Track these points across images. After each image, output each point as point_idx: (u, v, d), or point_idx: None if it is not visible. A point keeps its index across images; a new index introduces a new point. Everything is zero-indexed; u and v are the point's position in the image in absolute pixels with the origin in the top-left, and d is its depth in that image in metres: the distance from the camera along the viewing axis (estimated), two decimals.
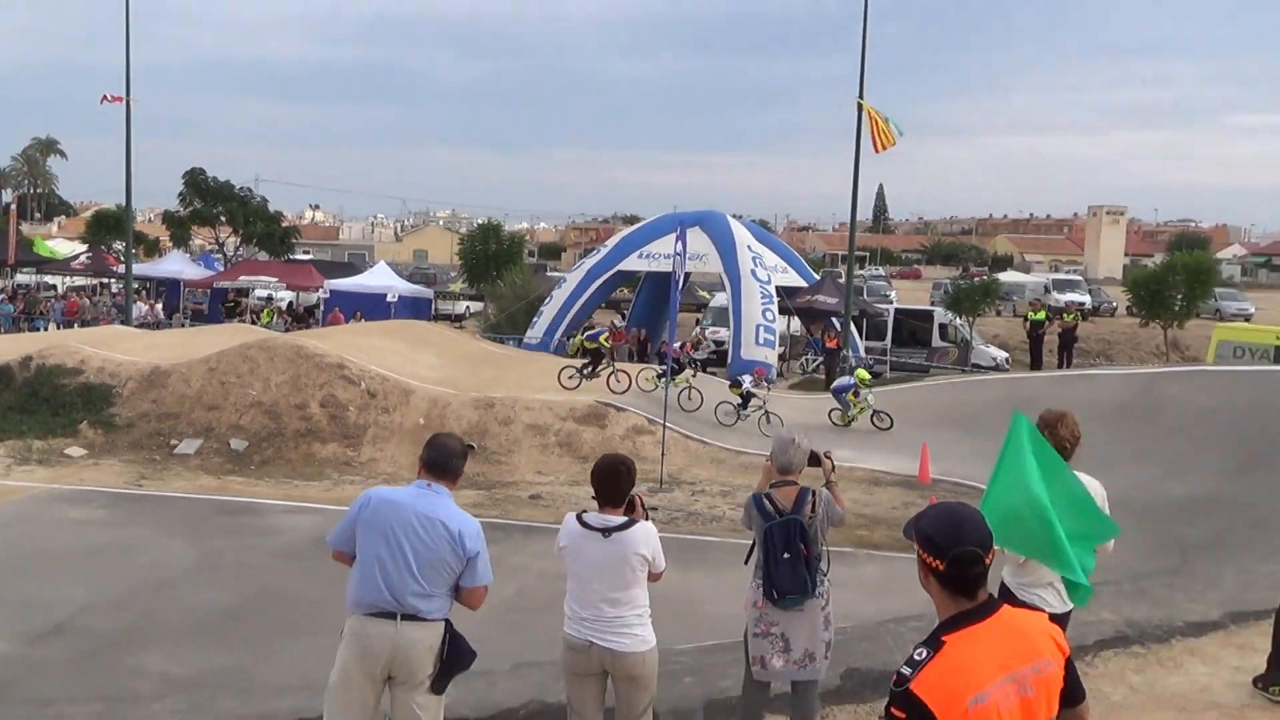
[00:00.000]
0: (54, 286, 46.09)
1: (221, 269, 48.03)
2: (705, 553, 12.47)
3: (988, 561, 3.15)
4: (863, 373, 22.39)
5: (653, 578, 5.18)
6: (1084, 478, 5.43)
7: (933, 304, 40.92)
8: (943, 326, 35.61)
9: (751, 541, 5.94)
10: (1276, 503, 13.52)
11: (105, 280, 46.81)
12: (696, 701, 6.60)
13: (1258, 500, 14.51)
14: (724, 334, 31.34)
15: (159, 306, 41.54)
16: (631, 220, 64.47)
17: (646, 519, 5.27)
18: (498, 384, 20.53)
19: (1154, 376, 23.28)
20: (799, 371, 31.96)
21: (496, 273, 44.36)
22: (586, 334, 21.52)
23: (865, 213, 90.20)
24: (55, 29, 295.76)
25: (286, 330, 31.43)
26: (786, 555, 5.72)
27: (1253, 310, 50.66)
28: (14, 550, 12.34)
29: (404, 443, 17.56)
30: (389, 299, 41.01)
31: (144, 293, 42.75)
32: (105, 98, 34.22)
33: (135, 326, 31.60)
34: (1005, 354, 35.33)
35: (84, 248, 51.50)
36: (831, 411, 21.48)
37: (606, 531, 5.05)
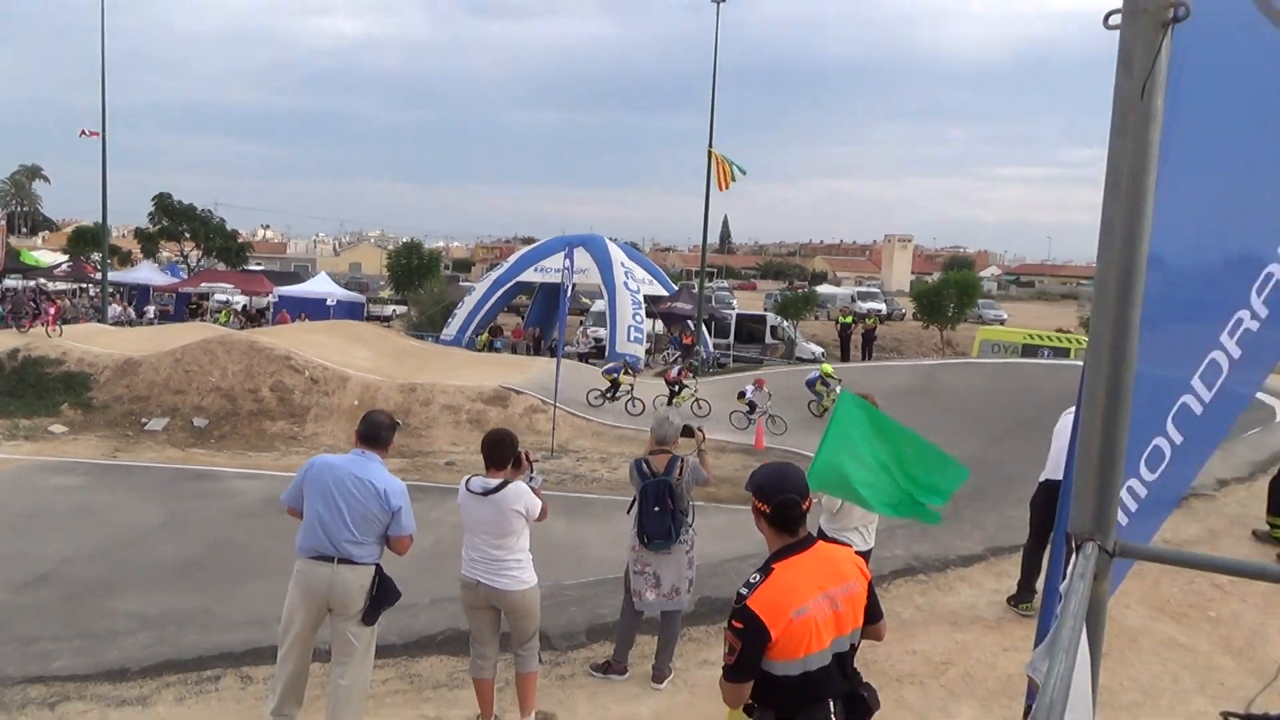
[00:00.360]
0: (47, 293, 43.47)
1: (185, 277, 46.16)
2: (589, 507, 12.43)
3: (805, 506, 3.26)
4: (826, 366, 21.62)
5: (537, 521, 5.15)
6: None
7: (766, 310, 41.51)
8: (773, 328, 36.18)
9: (633, 497, 5.93)
10: (1023, 463, 14.00)
11: (84, 285, 44.48)
12: (581, 626, 6.53)
13: (1009, 461, 15.07)
14: (602, 333, 31.28)
15: (131, 308, 39.71)
16: (529, 241, 63.76)
17: (531, 469, 5.23)
18: (419, 372, 20.13)
19: (933, 367, 24.06)
20: (662, 363, 32.09)
21: (418, 282, 43.64)
22: (605, 369, 20.78)
23: (714, 237, 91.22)
24: (42, 71, 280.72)
25: (241, 328, 30.35)
26: (657, 509, 5.76)
27: (1006, 317, 52.69)
28: (3, 512, 11.67)
29: (341, 420, 17.15)
30: (329, 303, 39.92)
31: (118, 296, 40.76)
32: (83, 132, 32.59)
33: (111, 325, 30.14)
34: (821, 349, 36.01)
35: (65, 257, 48.79)
36: (810, 403, 20.60)
37: (486, 493, 4.99)
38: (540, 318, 35.83)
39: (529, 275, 33.49)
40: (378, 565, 4.92)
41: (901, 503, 5.22)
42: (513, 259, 36.06)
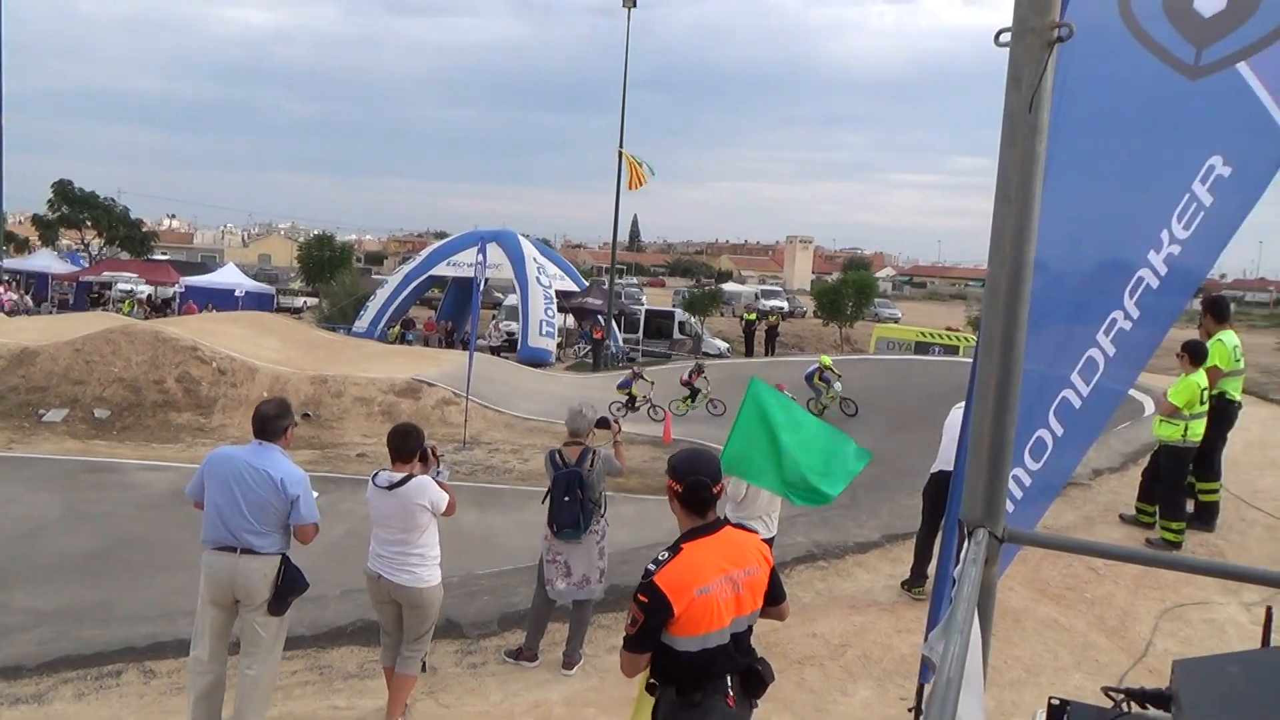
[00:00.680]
0: None
1: (86, 265, 44.11)
2: (500, 497, 12.33)
3: (715, 490, 3.38)
4: (826, 358, 20.66)
5: (445, 514, 5.05)
6: None
7: (674, 306, 41.77)
8: (681, 323, 36.43)
9: (547, 487, 5.92)
10: (916, 454, 14.40)
11: None
12: (493, 614, 6.48)
13: (904, 452, 15.47)
14: (515, 327, 31.04)
15: (28, 297, 37.76)
16: (442, 235, 62.78)
17: (438, 464, 5.15)
18: (331, 364, 19.64)
19: (833, 362, 24.50)
20: (573, 357, 32.03)
21: (330, 274, 42.60)
22: (619, 384, 20.32)
23: (624, 235, 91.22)
24: None
25: (146, 318, 29.18)
26: (567, 499, 5.76)
27: (900, 315, 54.14)
28: None
29: (250, 412, 16.52)
30: (237, 294, 38.70)
31: (14, 284, 38.75)
32: None
33: (6, 314, 28.60)
34: (727, 345, 36.44)
35: None
36: (809, 400, 19.18)
37: (390, 487, 4.90)
38: (452, 311, 35.37)
39: (442, 269, 33.07)
40: (284, 555, 4.81)
41: (803, 487, 5.33)
42: (426, 253, 35.55)
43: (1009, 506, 2.62)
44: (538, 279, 31.04)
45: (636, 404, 19.75)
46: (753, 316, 37.65)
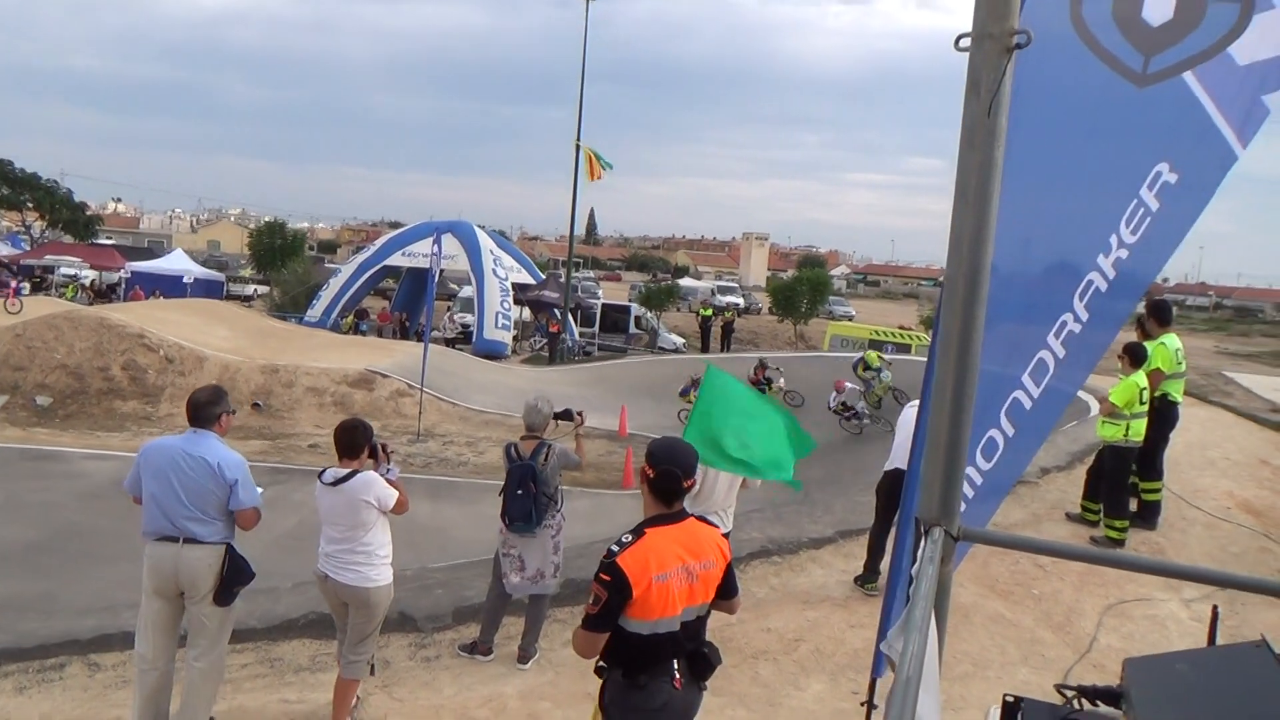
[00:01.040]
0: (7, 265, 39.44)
1: (27, 249, 42.94)
2: (454, 490, 12.25)
3: (686, 484, 3.41)
4: (872, 355, 20.18)
5: (395, 512, 4.94)
6: None
7: (630, 301, 41.77)
8: (637, 318, 36.43)
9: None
10: (869, 451, 14.61)
11: None
12: (447, 608, 6.44)
13: (857, 450, 15.70)
14: (470, 319, 30.81)
15: None
16: (396, 225, 62.13)
17: (388, 459, 5.05)
18: (282, 354, 19.34)
19: (787, 359, 24.72)
20: (528, 350, 31.90)
21: (281, 262, 41.94)
22: (680, 391, 19.20)
23: (581, 228, 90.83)
24: None
25: (90, 304, 28.48)
26: (520, 492, 5.76)
27: (854, 313, 54.66)
28: None
29: None
30: (185, 280, 37.97)
31: None
32: None
33: None
34: (682, 340, 36.53)
35: None
36: (862, 392, 18.98)
37: (335, 483, 4.81)
38: (407, 302, 35.02)
39: (396, 259, 32.69)
40: (229, 545, 4.74)
41: (765, 467, 5.38)
42: (380, 242, 35.11)
43: (960, 505, 2.67)
44: (494, 271, 30.83)
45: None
46: (708, 312, 37.78)
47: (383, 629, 5.24)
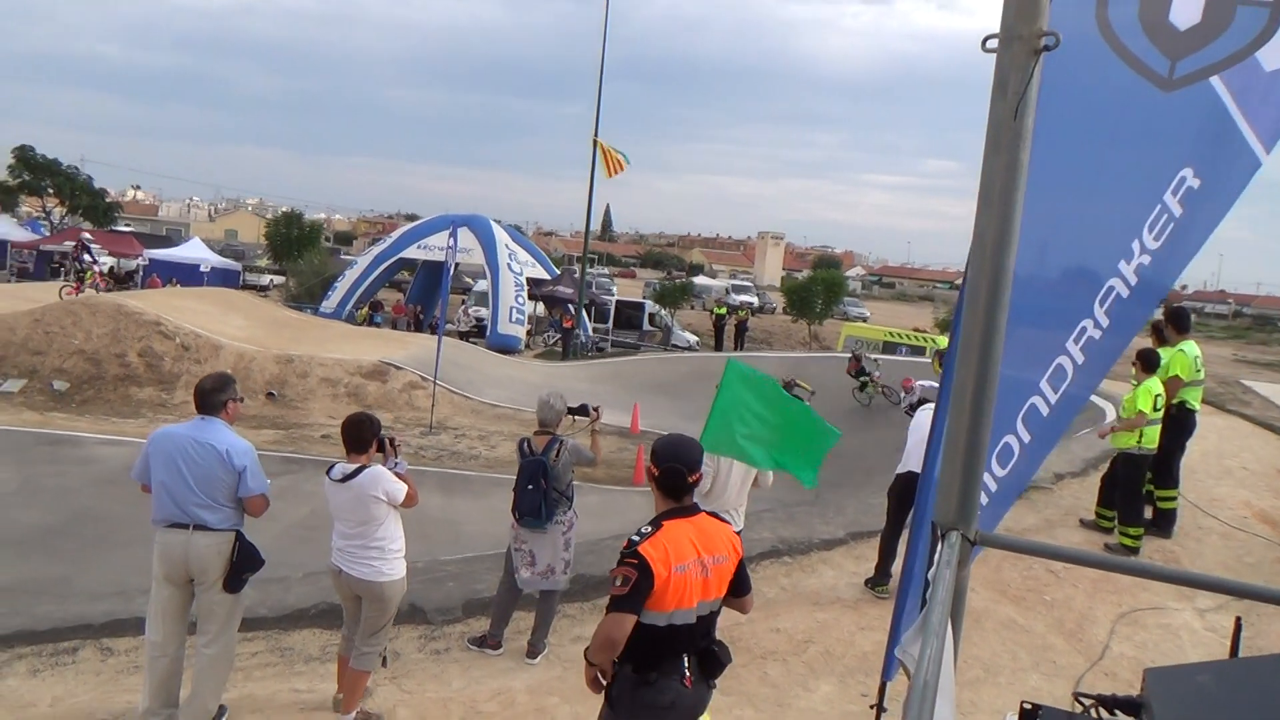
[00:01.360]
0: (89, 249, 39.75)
1: (47, 234, 43.20)
2: (466, 483, 12.27)
3: (692, 479, 3.44)
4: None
5: (405, 506, 4.93)
6: None
7: (644, 298, 41.71)
8: (651, 315, 36.35)
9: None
10: (881, 454, 14.56)
11: None
12: (457, 601, 6.45)
13: (870, 452, 15.62)
14: (484, 313, 30.86)
15: None
16: (412, 218, 62.29)
17: (396, 453, 5.04)
18: (297, 344, 19.42)
19: (800, 359, 24.71)
20: (542, 345, 31.92)
21: (297, 253, 42.12)
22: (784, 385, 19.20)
23: (596, 224, 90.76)
24: None
25: (107, 290, 28.65)
26: (531, 487, 5.76)
27: (869, 314, 54.42)
28: None
29: None
30: (202, 269, 38.12)
31: None
32: None
33: None
34: (696, 338, 36.46)
35: None
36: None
37: (344, 479, 4.81)
38: (422, 295, 35.09)
39: (412, 252, 32.77)
40: (238, 532, 4.77)
41: (790, 461, 5.37)
42: (396, 235, 35.20)
43: None
44: (509, 265, 30.87)
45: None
46: (722, 311, 37.71)
47: (393, 620, 5.25)
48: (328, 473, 4.92)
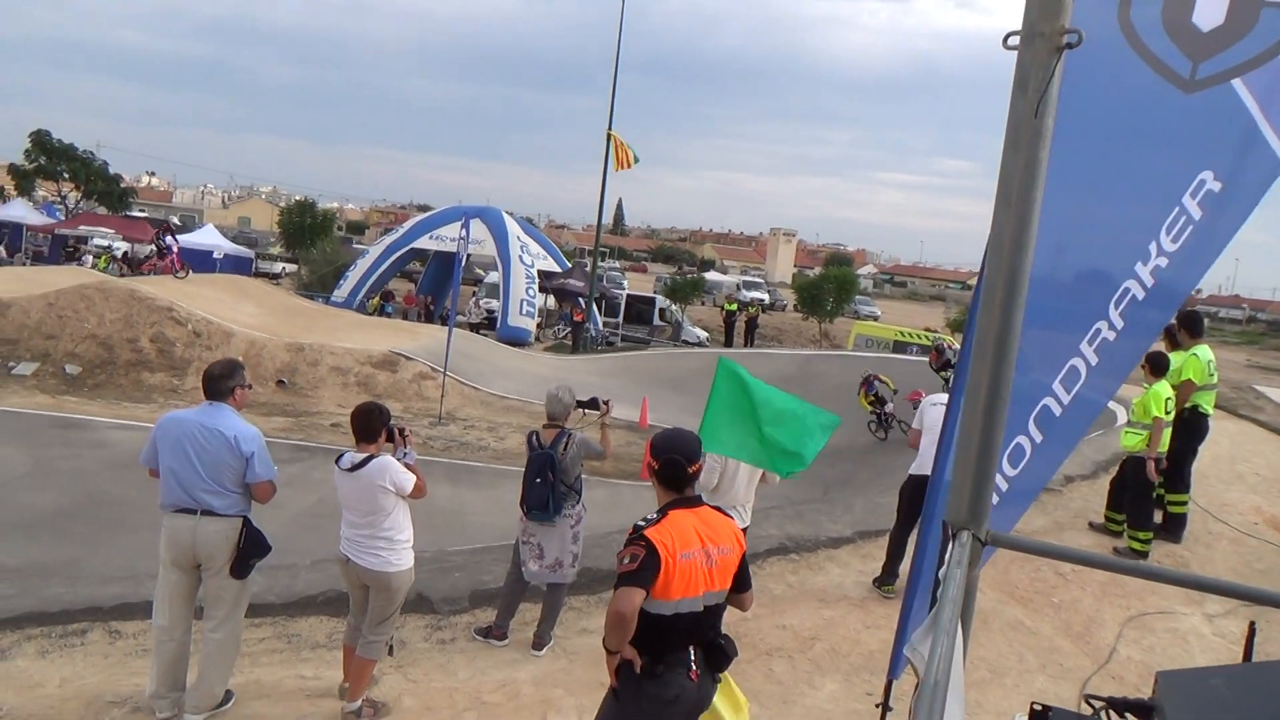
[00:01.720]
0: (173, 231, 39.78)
1: (62, 219, 43.39)
2: (474, 475, 12.30)
3: (692, 470, 3.48)
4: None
5: (413, 496, 4.93)
6: None
7: (655, 293, 41.68)
8: (661, 310, 36.34)
9: None
10: (889, 452, 14.57)
11: None
12: (464, 591, 6.46)
13: (878, 451, 15.64)
14: (495, 305, 30.91)
15: (2, 247, 37.09)
16: (425, 208, 62.40)
17: (406, 444, 5.03)
18: (308, 332, 19.48)
19: (810, 357, 24.67)
20: (552, 338, 31.95)
21: (310, 241, 42.22)
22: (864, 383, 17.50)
23: (608, 218, 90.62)
24: None
25: (121, 276, 28.77)
26: (538, 480, 5.76)
27: (879, 313, 54.27)
28: None
29: None
30: (215, 256, 38.17)
31: None
32: None
33: None
34: (706, 334, 36.43)
35: None
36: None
37: (352, 469, 4.81)
38: (433, 286, 35.15)
39: (424, 242, 32.82)
40: (245, 518, 4.79)
41: (783, 457, 5.37)
42: (408, 225, 35.26)
43: None
44: (520, 257, 30.88)
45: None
46: (733, 307, 37.67)
47: (400, 610, 5.26)
48: (337, 462, 4.93)
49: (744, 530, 5.94)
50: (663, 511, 3.36)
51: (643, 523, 3.30)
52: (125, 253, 39.02)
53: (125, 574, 6.78)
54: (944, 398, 6.13)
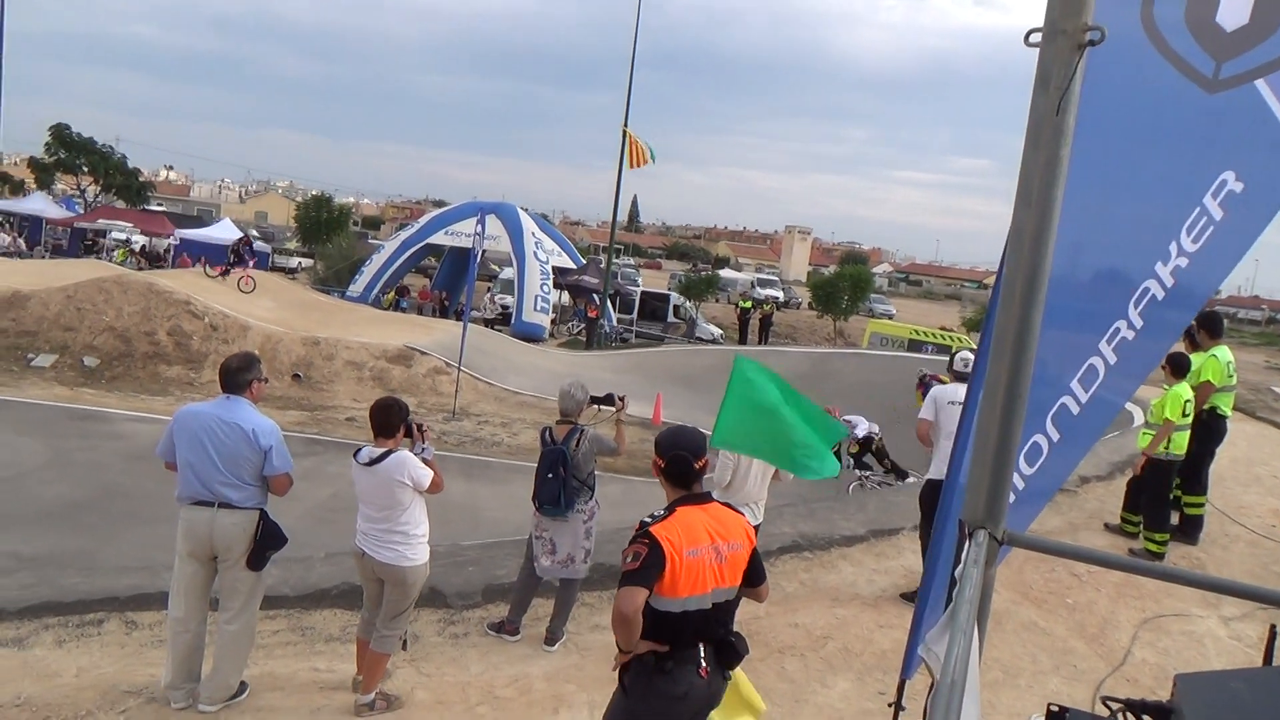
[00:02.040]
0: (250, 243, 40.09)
1: (81, 212, 43.69)
2: (487, 470, 12.34)
3: (698, 465, 3.47)
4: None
5: (430, 491, 4.94)
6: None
7: (669, 289, 41.64)
8: (675, 307, 36.35)
9: None
10: (905, 452, 14.45)
11: None
12: (477, 586, 6.47)
13: (892, 449, 15.52)
14: (509, 300, 30.96)
15: (21, 239, 37.40)
16: (440, 204, 62.52)
17: (424, 439, 5.03)
18: (323, 327, 19.58)
19: (825, 355, 24.61)
20: (566, 334, 31.98)
21: (326, 236, 42.40)
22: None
23: (623, 215, 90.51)
24: None
25: (139, 269, 28.96)
26: (550, 476, 5.77)
27: (894, 312, 54.05)
28: None
29: None
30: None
31: (8, 226, 38.37)
32: None
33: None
34: (720, 331, 36.39)
35: None
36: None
37: (370, 463, 4.81)
38: (448, 281, 35.24)
39: (439, 238, 32.90)
40: (262, 510, 4.82)
41: (801, 458, 5.36)
42: (424, 220, 35.34)
43: None
44: (535, 254, 30.92)
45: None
46: (748, 304, 37.61)
47: (414, 604, 5.28)
48: (355, 456, 4.94)
49: (756, 528, 5.94)
50: (670, 508, 3.36)
51: (649, 519, 3.30)
52: (143, 246, 39.34)
53: (141, 564, 6.83)
54: (961, 393, 6.06)
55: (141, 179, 52.46)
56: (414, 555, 4.91)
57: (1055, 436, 3.42)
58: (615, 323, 33.00)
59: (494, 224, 29.28)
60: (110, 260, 31.77)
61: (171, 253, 38.08)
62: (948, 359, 13.44)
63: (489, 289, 35.02)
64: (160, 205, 57.43)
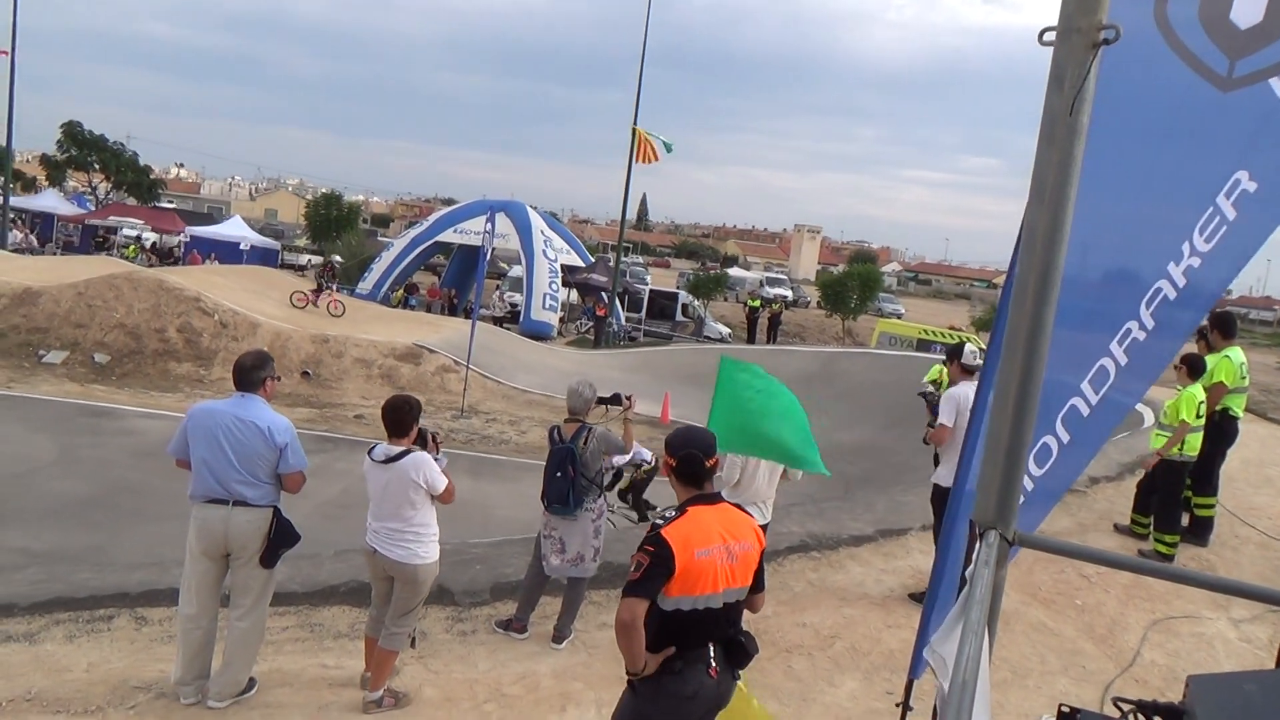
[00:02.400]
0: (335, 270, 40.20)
1: (93, 209, 43.91)
2: (496, 468, 12.35)
3: (709, 464, 3.48)
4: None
5: (441, 499, 4.94)
6: None
7: (678, 288, 41.60)
8: (684, 306, 36.33)
9: None
10: (913, 452, 14.44)
11: None
12: (485, 584, 6.48)
13: (901, 449, 15.50)
14: (518, 298, 30.96)
15: (33, 236, 37.59)
16: (449, 202, 62.55)
17: (438, 449, 5.03)
18: (332, 324, 19.63)
19: (833, 354, 24.53)
20: (574, 332, 31.98)
21: (336, 234, 42.51)
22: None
23: (631, 213, 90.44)
24: None
25: (149, 266, 29.07)
26: (558, 474, 5.78)
27: (904, 311, 53.90)
28: None
29: None
30: (242, 247, 38.55)
31: (20, 222, 38.56)
32: None
33: (10, 252, 28.47)
34: (729, 330, 36.36)
35: None
36: None
37: (386, 462, 4.82)
38: (456, 279, 35.27)
39: (448, 236, 32.92)
40: (276, 508, 4.83)
41: (798, 453, 5.35)
42: (433, 218, 35.37)
43: None
44: (544, 252, 30.92)
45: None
46: (756, 303, 37.57)
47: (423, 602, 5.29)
48: (369, 453, 4.95)
49: (764, 527, 5.94)
50: (681, 508, 3.37)
51: (661, 521, 3.33)
52: (154, 243, 39.50)
53: (151, 560, 6.85)
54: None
55: (152, 176, 52.75)
56: (425, 553, 4.92)
57: (1065, 438, 3.41)
58: (624, 321, 32.98)
59: (503, 222, 29.28)
60: (121, 257, 31.91)
61: (182, 249, 38.24)
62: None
63: (498, 287, 35.04)
64: (171, 202, 57.72)
